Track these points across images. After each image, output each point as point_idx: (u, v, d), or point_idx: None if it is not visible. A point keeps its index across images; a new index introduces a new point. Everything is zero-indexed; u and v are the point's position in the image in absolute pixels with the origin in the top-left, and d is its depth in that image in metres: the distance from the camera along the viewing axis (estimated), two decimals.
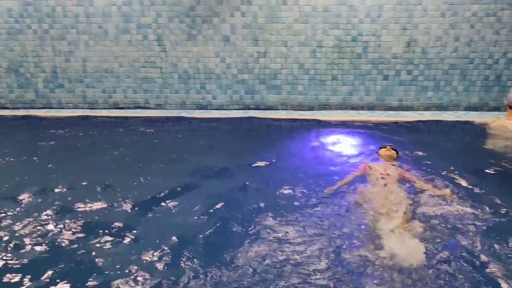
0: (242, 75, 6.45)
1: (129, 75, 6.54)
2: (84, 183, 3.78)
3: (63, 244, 2.83)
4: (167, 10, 6.21)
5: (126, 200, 3.44)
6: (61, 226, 3.06)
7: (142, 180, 3.86)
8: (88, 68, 6.51)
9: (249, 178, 3.86)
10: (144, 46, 6.39)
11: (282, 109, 6.57)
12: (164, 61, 6.45)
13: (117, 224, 3.08)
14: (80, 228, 3.03)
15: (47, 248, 2.79)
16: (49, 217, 3.19)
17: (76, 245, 2.81)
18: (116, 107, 6.69)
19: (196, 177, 3.92)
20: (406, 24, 6.05)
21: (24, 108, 6.69)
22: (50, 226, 3.06)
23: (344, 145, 4.83)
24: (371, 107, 6.49)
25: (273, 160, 4.30)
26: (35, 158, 4.50)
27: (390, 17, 6.03)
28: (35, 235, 2.95)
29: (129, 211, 3.29)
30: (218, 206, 3.32)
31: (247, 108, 6.60)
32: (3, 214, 3.23)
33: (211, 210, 3.26)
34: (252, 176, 3.92)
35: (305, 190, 3.53)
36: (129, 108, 6.69)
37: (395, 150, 4.27)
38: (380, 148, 4.34)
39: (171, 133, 5.50)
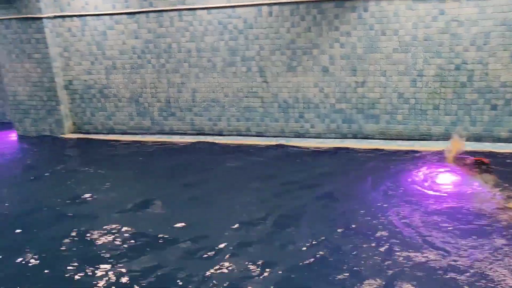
0: (340, 104, 6.95)
1: (233, 105, 7.42)
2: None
3: None
4: (269, 43, 6.98)
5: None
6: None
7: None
8: (197, 98, 7.53)
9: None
10: (248, 77, 7.22)
11: (380, 139, 6.90)
12: (266, 91, 7.22)
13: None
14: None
15: None
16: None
17: None
18: (220, 134, 7.60)
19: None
20: None
21: (141, 134, 7.91)
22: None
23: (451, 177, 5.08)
24: (477, 138, 6.53)
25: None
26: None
27: (498, 45, 6.10)
28: None
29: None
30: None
31: (344, 137, 7.06)
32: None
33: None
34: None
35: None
36: (231, 135, 7.55)
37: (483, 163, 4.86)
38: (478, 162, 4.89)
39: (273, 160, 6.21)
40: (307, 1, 6.62)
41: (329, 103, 6.99)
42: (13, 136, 8.29)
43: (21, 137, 8.18)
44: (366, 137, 6.98)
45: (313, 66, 6.90)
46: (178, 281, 3.35)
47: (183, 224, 4.31)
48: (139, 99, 7.79)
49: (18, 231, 4.32)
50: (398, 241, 3.72)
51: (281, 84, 7.12)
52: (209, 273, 3.42)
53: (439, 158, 5.73)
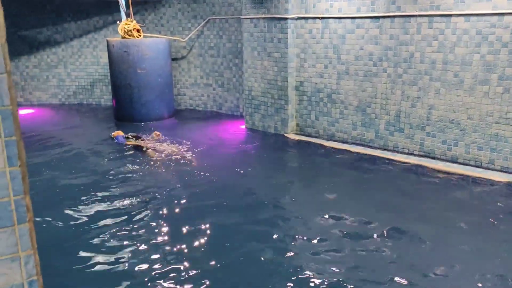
0: None
1: (476, 130, 6.32)
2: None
3: None
4: None
5: None
6: None
7: None
8: (433, 116, 6.67)
9: None
10: (503, 100, 6.02)
11: None
12: None
13: None
14: None
15: None
16: None
17: None
18: (454, 161, 6.58)
19: None
20: None
21: (362, 145, 7.49)
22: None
23: None
24: None
25: None
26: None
27: None
28: None
29: None
30: None
31: None
32: None
33: None
34: None
35: None
36: (468, 164, 6.45)
37: None
38: None
39: None
40: None
41: None
42: (242, 128, 8.95)
43: (249, 130, 8.78)
44: None
45: None
46: None
47: None
48: (367, 109, 7.37)
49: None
50: None
51: None
52: None
53: None
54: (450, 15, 6.24)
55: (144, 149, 7.45)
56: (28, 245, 1.49)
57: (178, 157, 7.04)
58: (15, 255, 1.48)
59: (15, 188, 1.45)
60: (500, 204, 5.21)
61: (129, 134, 8.20)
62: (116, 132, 8.26)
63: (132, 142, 7.82)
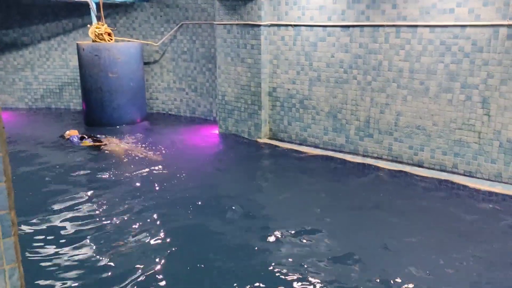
0: None
1: (441, 135, 6.60)
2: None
3: None
4: (501, 71, 5.96)
5: None
6: None
7: None
8: (400, 122, 6.93)
9: None
10: (465, 107, 6.32)
11: None
12: (486, 126, 6.20)
13: None
14: None
15: None
16: None
17: None
18: (420, 165, 6.85)
19: None
20: None
21: (333, 150, 7.69)
22: None
23: None
24: None
25: None
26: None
27: None
28: None
29: None
30: None
31: None
32: None
33: None
34: None
35: None
36: (433, 169, 6.73)
37: None
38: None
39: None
40: None
41: None
42: (215, 132, 9.00)
43: (222, 135, 8.84)
44: None
45: None
46: None
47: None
48: (338, 114, 7.58)
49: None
50: None
51: (508, 120, 6.02)
52: None
53: None
54: (416, 26, 6.50)
55: (102, 149, 7.47)
56: (13, 258, 1.53)
57: (144, 158, 7.04)
58: (0, 268, 1.52)
59: (0, 203, 1.49)
60: None
61: (85, 134, 8.16)
62: (70, 131, 8.18)
63: (88, 143, 7.77)
